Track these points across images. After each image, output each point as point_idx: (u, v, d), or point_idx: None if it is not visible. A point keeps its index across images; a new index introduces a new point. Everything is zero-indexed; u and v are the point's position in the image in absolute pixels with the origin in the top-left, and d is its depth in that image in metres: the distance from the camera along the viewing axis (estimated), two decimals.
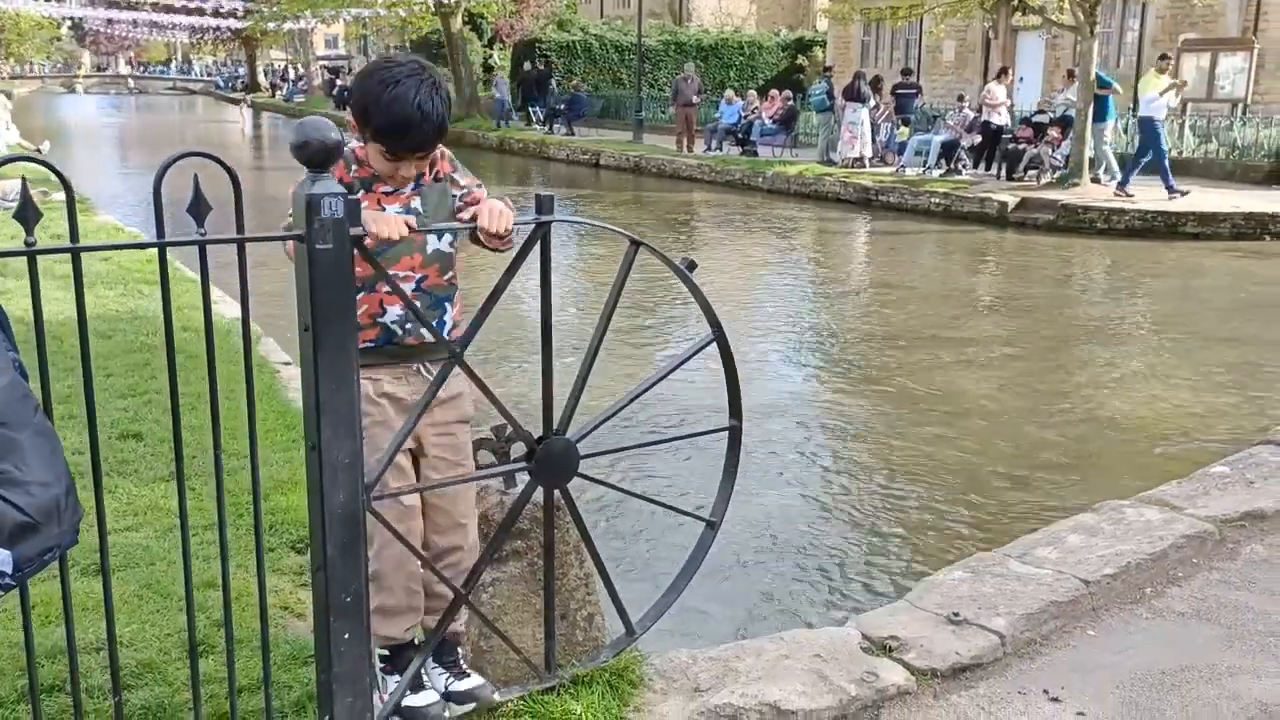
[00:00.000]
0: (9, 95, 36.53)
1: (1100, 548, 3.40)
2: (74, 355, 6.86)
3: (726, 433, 2.97)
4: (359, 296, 2.48)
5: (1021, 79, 27.57)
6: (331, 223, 2.24)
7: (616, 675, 2.81)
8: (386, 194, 2.65)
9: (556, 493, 2.72)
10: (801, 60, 36.69)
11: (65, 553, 2.13)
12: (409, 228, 2.47)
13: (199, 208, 2.14)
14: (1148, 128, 15.99)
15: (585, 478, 2.74)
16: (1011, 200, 16.34)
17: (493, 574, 2.89)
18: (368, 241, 2.39)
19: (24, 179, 2.21)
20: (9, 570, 1.86)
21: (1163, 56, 16.40)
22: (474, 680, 2.71)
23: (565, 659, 2.86)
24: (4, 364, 1.91)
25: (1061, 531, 3.60)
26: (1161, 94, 15.77)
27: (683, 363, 2.85)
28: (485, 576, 2.87)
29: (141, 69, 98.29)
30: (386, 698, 2.65)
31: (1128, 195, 15.59)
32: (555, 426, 2.66)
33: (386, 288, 2.58)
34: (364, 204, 2.50)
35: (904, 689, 2.79)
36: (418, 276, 2.66)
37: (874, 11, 22.62)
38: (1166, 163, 15.81)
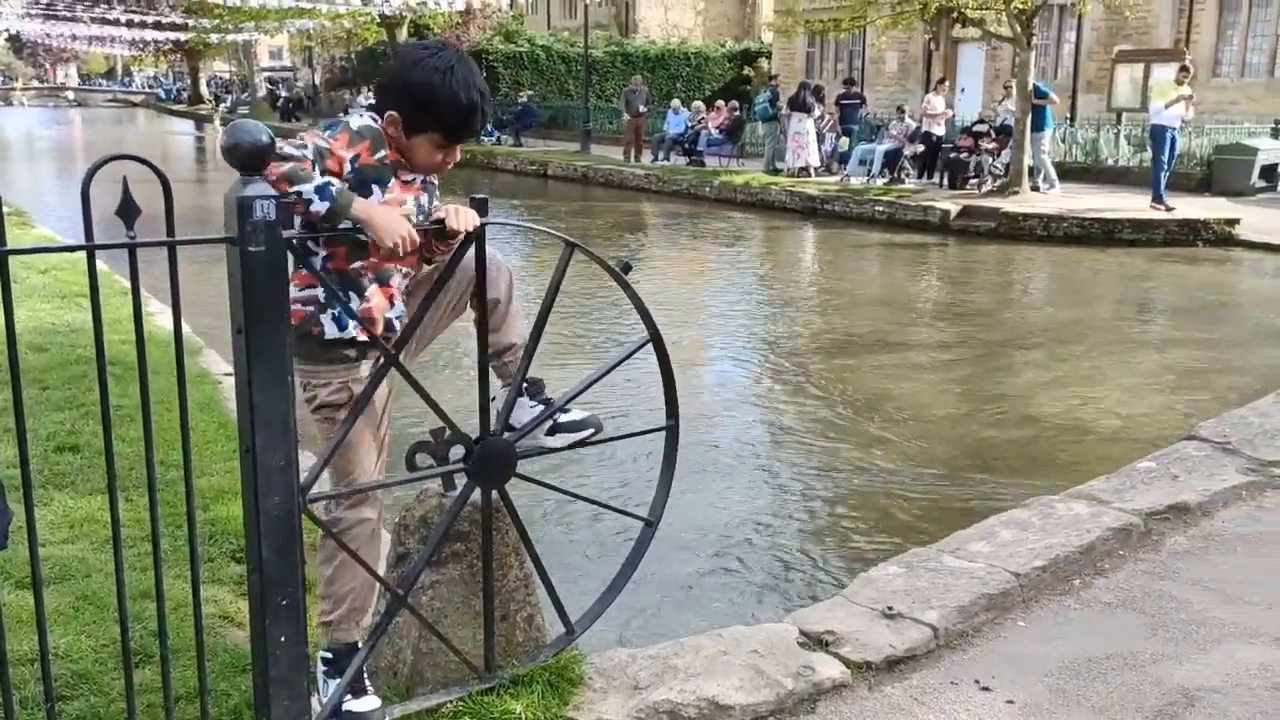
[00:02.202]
0: None
1: (1031, 541, 3.49)
2: (7, 368, 6.74)
3: (665, 432, 3.00)
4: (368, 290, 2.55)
5: (963, 89, 28.07)
6: (264, 225, 2.25)
7: (556, 674, 2.83)
8: (406, 183, 2.61)
9: (495, 494, 2.74)
10: (748, 71, 37.01)
11: None
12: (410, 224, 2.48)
13: (128, 211, 2.13)
14: (1157, 136, 16.09)
15: (522, 478, 2.76)
16: (953, 208, 16.60)
17: (432, 576, 2.89)
18: (385, 240, 2.41)
19: None
20: None
21: (1183, 68, 16.56)
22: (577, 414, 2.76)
23: (505, 659, 2.87)
24: None
25: (994, 526, 3.68)
26: (1168, 105, 15.82)
27: (618, 364, 2.88)
28: (425, 579, 2.88)
29: (82, 81, 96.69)
30: (325, 701, 2.65)
31: (1168, 208, 15.49)
32: (492, 427, 2.68)
33: (396, 281, 2.61)
34: (391, 192, 2.53)
35: (840, 682, 2.84)
36: (408, 273, 2.68)
37: (817, 24, 22.88)
38: (1163, 174, 15.88)
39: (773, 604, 4.31)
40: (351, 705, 2.62)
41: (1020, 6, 16.69)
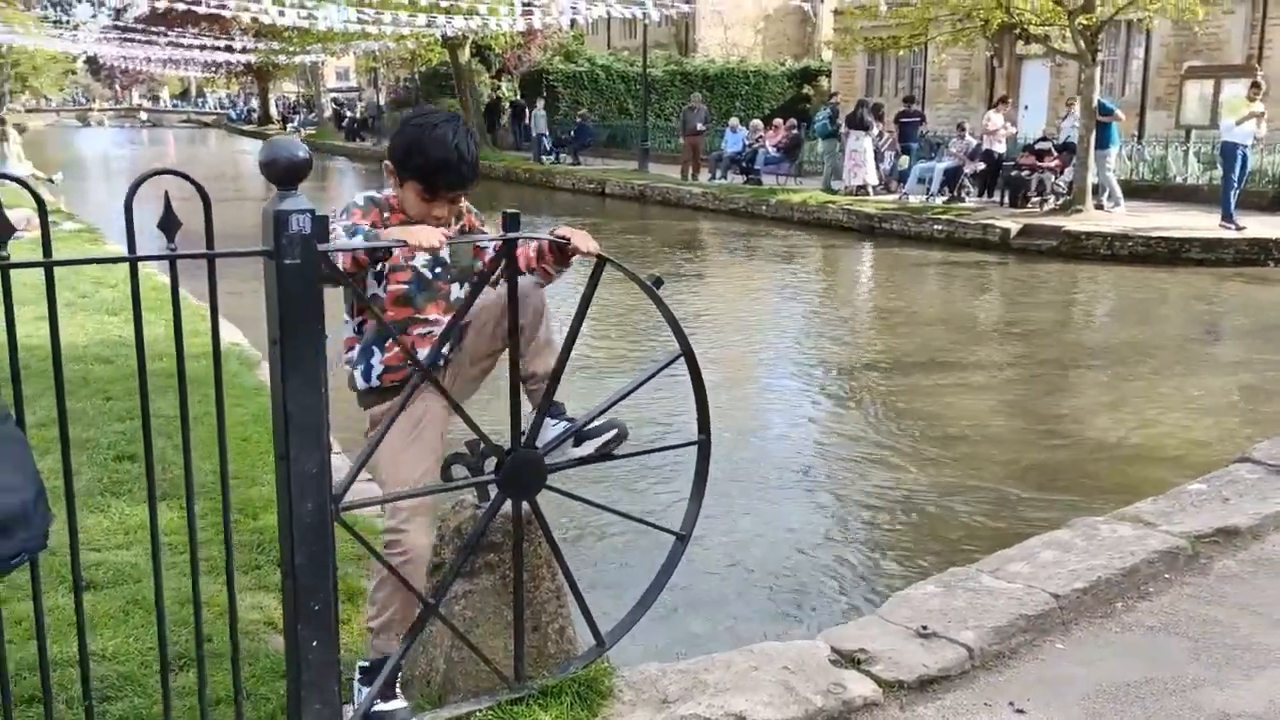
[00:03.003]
0: (21, 129, 36.97)
1: (1072, 563, 3.43)
2: (74, 379, 6.93)
3: (696, 447, 3.01)
4: (387, 343, 2.78)
5: (1027, 106, 27.73)
6: (299, 238, 2.31)
7: (585, 686, 2.84)
8: None
9: (526, 505, 2.77)
10: (807, 89, 36.93)
11: (38, 559, 2.18)
12: (443, 239, 2.63)
13: (169, 224, 2.21)
14: (1227, 154, 15.78)
15: (553, 490, 2.78)
16: (1014, 227, 16.38)
17: (466, 586, 2.93)
18: (406, 252, 2.68)
19: None
20: None
21: (1254, 85, 16.24)
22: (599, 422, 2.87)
23: (537, 670, 2.89)
24: None
25: (1035, 547, 3.62)
26: (1239, 122, 15.48)
27: (648, 379, 2.90)
28: (458, 588, 2.92)
29: (156, 102, 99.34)
30: (357, 707, 2.69)
31: (1238, 227, 15.15)
32: (523, 439, 2.71)
33: (418, 330, 2.83)
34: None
35: (870, 700, 2.82)
36: (443, 319, 2.84)
37: (877, 41, 22.78)
38: (1233, 192, 15.50)
39: (809, 621, 4.29)
40: (380, 707, 2.67)
41: (1085, 22, 16.48)
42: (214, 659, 3.07)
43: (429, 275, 2.84)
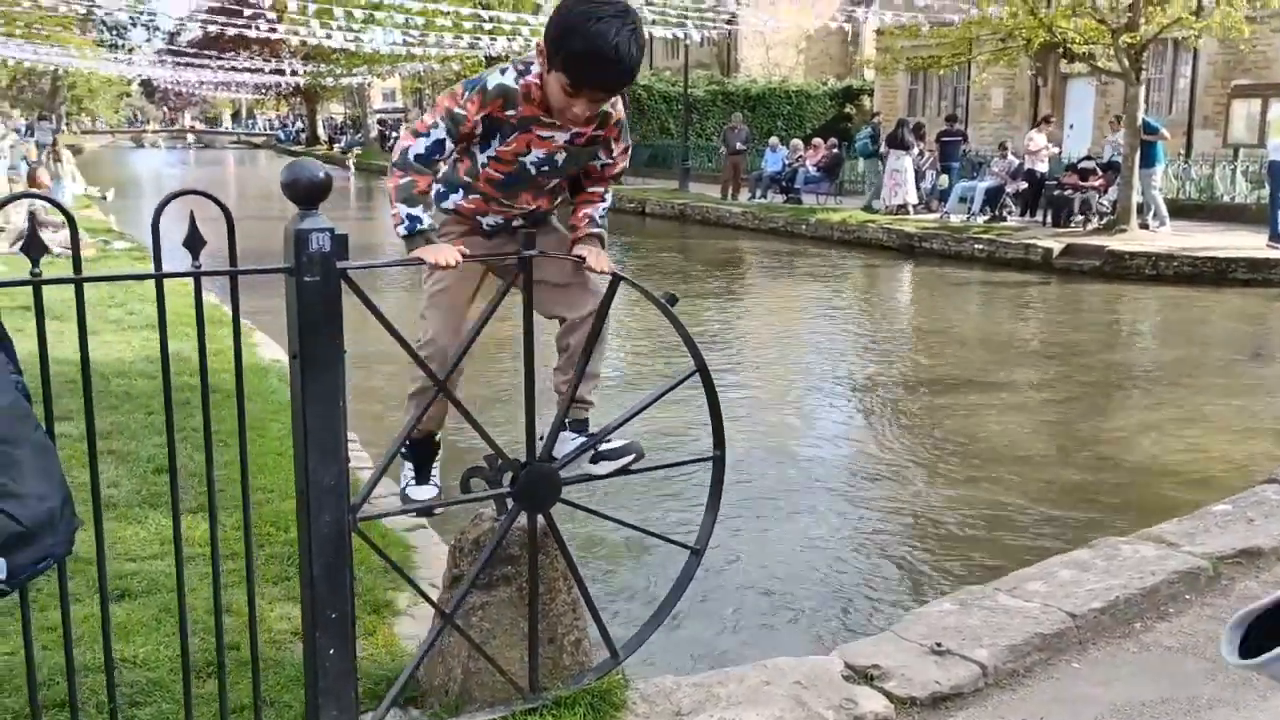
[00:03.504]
0: (78, 150, 37.89)
1: (1090, 582, 3.42)
2: (118, 394, 7.11)
3: (712, 462, 3.04)
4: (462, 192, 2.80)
5: (1072, 126, 27.50)
6: (319, 256, 2.39)
7: (599, 698, 2.88)
8: (540, 138, 2.71)
9: (541, 518, 2.82)
10: (849, 109, 36.87)
11: (64, 564, 2.27)
12: (462, 255, 2.66)
13: (194, 242, 2.29)
14: (1275, 173, 15.58)
15: (568, 503, 2.83)
16: (1056, 246, 16.25)
17: (483, 598, 2.98)
18: (519, 145, 2.67)
19: (32, 214, 2.38)
20: (3, 577, 2.00)
21: None
22: (617, 442, 2.90)
23: (551, 682, 2.94)
24: (6, 385, 2.06)
25: (1054, 566, 3.61)
26: None
27: (664, 394, 2.94)
28: (476, 600, 2.97)
29: (209, 124, 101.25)
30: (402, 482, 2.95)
31: None
32: (538, 453, 2.76)
33: (497, 209, 2.83)
34: (509, 144, 2.70)
35: (882, 717, 2.83)
36: (531, 209, 2.86)
37: (919, 61, 22.74)
38: None
39: (828, 637, 4.29)
40: (412, 491, 2.91)
41: (1129, 41, 16.35)
42: (240, 666, 3.15)
43: (533, 172, 2.78)
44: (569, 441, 2.88)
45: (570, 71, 2.54)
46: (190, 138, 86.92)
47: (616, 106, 2.76)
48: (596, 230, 2.90)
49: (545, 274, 2.81)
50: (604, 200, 2.94)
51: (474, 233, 2.88)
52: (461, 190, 2.83)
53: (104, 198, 22.25)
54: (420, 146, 2.63)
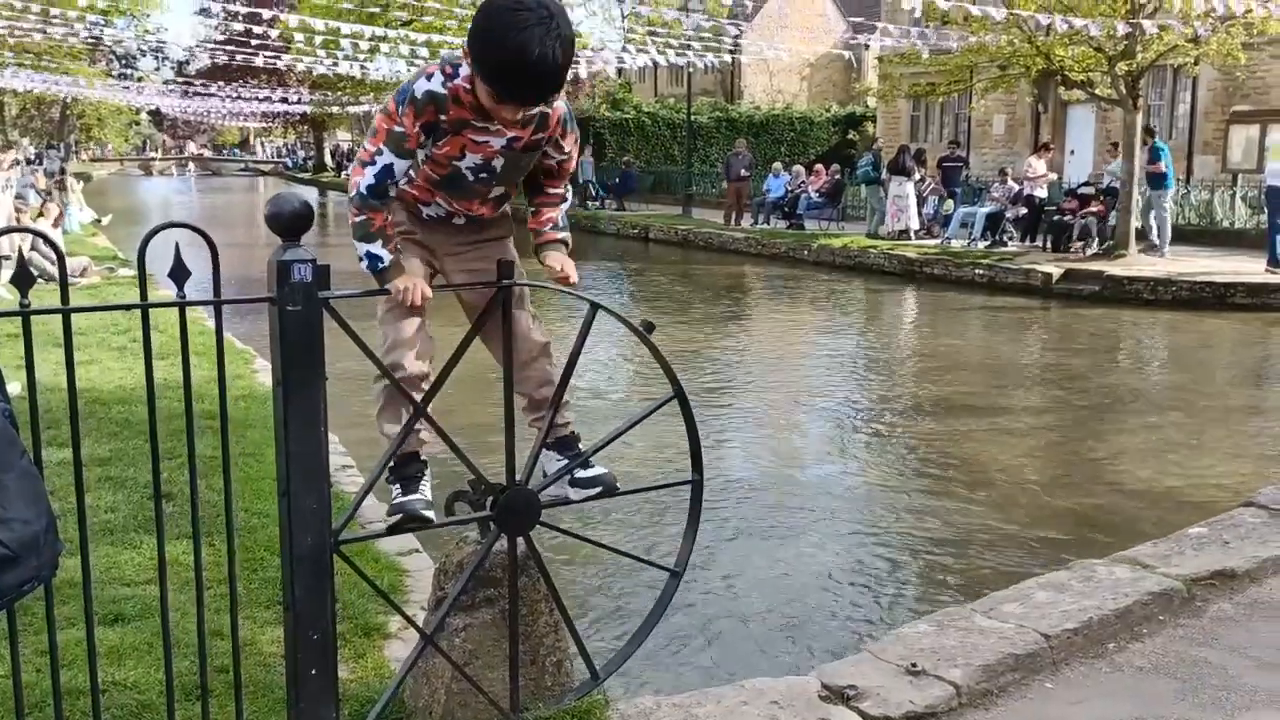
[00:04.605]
0: (87, 178, 38.21)
1: (1065, 604, 3.47)
2: (119, 421, 7.18)
3: (690, 486, 3.11)
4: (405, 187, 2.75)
5: (1073, 152, 27.63)
6: (301, 287, 2.46)
7: (580, 718, 2.93)
8: (475, 142, 2.66)
9: (522, 540, 2.88)
10: (852, 135, 37.09)
11: (51, 587, 2.33)
12: (429, 289, 2.70)
13: (179, 274, 2.37)
14: (1273, 198, 15.63)
15: (546, 525, 2.89)
16: (1056, 271, 16.32)
17: (465, 620, 3.03)
18: (452, 149, 2.63)
19: (20, 248, 2.46)
20: None
21: None
22: (592, 472, 2.91)
23: (533, 703, 2.99)
24: None
25: (1030, 588, 3.66)
26: None
27: (642, 419, 3.01)
28: (458, 622, 3.02)
29: (216, 151, 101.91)
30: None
31: None
32: (517, 477, 2.83)
33: (430, 210, 2.83)
34: (442, 148, 2.65)
35: None
36: (474, 214, 2.86)
37: (919, 87, 22.91)
38: (1279, 237, 15.37)
39: (807, 657, 4.34)
40: (399, 498, 2.84)
41: (1126, 69, 16.48)
42: (230, 689, 3.20)
43: (470, 179, 2.74)
44: (553, 461, 2.94)
45: (494, 84, 2.48)
46: (191, 165, 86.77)
47: (555, 104, 2.69)
48: (561, 235, 2.89)
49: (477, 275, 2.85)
50: (565, 200, 2.93)
51: (414, 219, 2.85)
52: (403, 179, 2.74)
53: (98, 221, 22.63)
54: (370, 177, 2.60)
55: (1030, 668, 3.17)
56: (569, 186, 2.95)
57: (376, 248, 2.64)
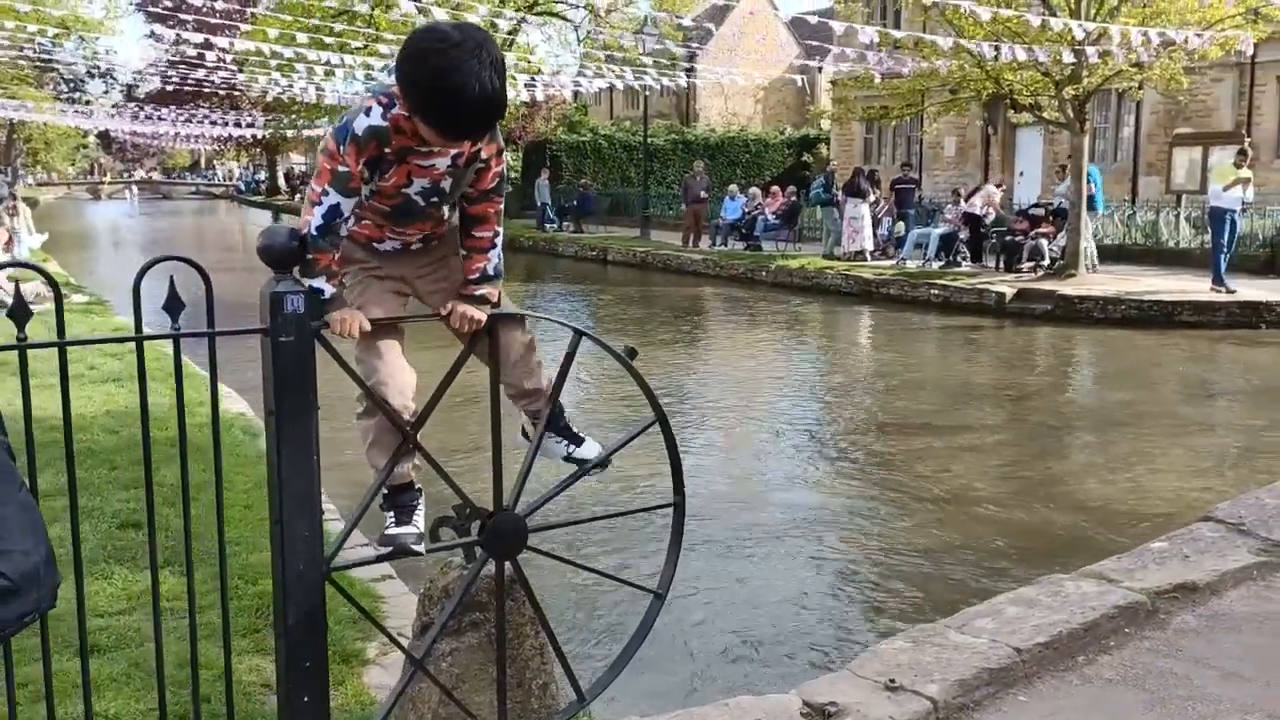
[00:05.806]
0: (34, 203, 37.64)
1: (1035, 618, 3.57)
2: (81, 450, 7.12)
3: (671, 509, 3.17)
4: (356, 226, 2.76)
5: (1022, 173, 28.18)
6: (293, 318, 2.50)
7: None
8: (420, 167, 2.65)
9: (508, 564, 2.93)
10: (807, 157, 37.53)
11: (46, 619, 2.34)
12: (368, 324, 2.70)
13: (173, 305, 2.40)
14: (1216, 218, 15.96)
15: (533, 550, 2.94)
16: (1009, 291, 16.63)
17: (452, 644, 3.07)
18: (397, 181, 2.62)
19: (16, 282, 2.48)
20: None
21: (1241, 151, 16.60)
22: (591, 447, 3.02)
23: None
24: None
25: (1001, 604, 3.76)
26: (1226, 187, 15.73)
27: (624, 444, 3.07)
28: (445, 646, 3.06)
29: (166, 175, 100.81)
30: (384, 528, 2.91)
31: (1229, 290, 15.37)
32: (504, 502, 2.88)
33: (391, 240, 2.83)
34: (388, 179, 2.62)
35: None
36: (423, 236, 2.86)
37: (872, 110, 23.29)
38: (1223, 256, 15.72)
39: (790, 677, 4.40)
40: (392, 530, 2.86)
41: (1072, 92, 16.88)
42: (215, 718, 3.21)
43: (421, 203, 2.73)
44: (555, 444, 3.05)
45: (441, 128, 2.48)
46: (134, 189, 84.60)
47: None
48: (482, 291, 2.82)
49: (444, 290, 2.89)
50: (495, 245, 2.85)
51: (373, 254, 2.87)
52: (353, 219, 2.70)
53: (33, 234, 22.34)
54: (318, 218, 2.57)
55: (1004, 681, 3.26)
56: (499, 229, 2.87)
57: (320, 283, 2.62)
